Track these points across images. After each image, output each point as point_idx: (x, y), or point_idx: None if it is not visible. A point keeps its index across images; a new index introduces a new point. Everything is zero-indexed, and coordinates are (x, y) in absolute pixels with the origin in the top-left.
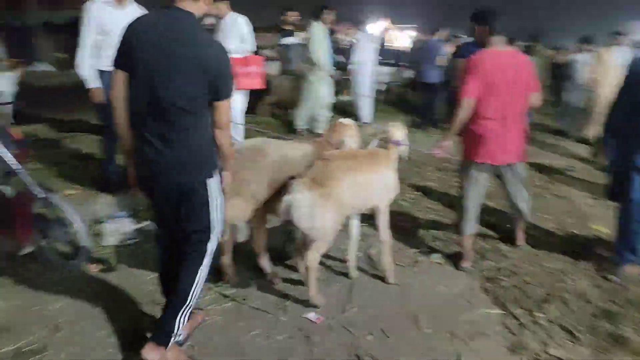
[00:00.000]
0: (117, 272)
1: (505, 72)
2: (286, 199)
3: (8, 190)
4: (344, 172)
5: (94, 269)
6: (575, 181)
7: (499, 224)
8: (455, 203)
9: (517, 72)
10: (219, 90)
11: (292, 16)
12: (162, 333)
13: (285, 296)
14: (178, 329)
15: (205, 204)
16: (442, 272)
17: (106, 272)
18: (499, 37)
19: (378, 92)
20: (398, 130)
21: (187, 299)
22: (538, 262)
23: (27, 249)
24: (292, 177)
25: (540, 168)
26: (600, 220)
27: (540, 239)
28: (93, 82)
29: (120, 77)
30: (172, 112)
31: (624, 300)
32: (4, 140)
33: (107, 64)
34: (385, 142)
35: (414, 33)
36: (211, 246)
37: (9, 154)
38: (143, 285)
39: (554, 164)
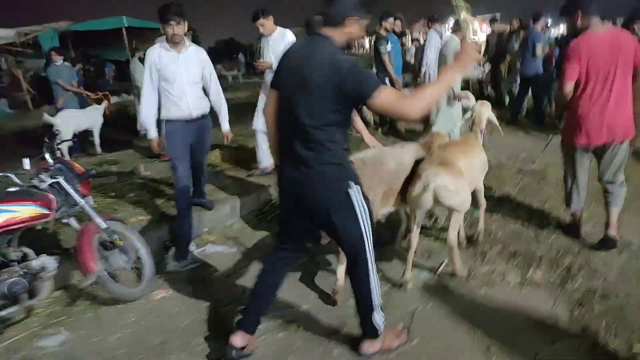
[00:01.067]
0: (180, 299)
1: (604, 52)
2: (431, 185)
3: (74, 223)
4: (458, 157)
5: (157, 295)
6: None
7: (590, 233)
8: (536, 210)
9: (617, 50)
10: (359, 89)
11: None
12: (366, 329)
13: (343, 323)
14: (379, 328)
15: (350, 213)
16: (521, 295)
17: (168, 300)
18: (593, 18)
19: None
20: (485, 111)
21: (371, 304)
22: (638, 279)
23: (90, 279)
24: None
25: None
26: None
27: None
28: (152, 132)
29: (273, 95)
30: (309, 130)
31: None
32: (68, 176)
33: (169, 114)
34: (473, 124)
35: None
36: (369, 249)
37: (72, 189)
38: (206, 314)
39: None
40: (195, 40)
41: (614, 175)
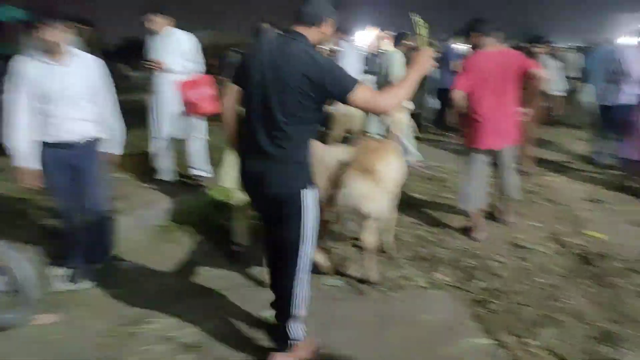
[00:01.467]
0: (69, 324)
1: (493, 68)
2: (346, 190)
3: None
4: (377, 162)
5: (46, 319)
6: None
7: (487, 242)
8: (443, 215)
9: (505, 67)
10: (336, 87)
11: None
12: (282, 342)
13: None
14: (296, 336)
15: (298, 212)
16: (427, 297)
17: (56, 326)
18: (489, 39)
19: None
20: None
21: (291, 312)
22: (530, 279)
23: None
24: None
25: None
26: (595, 225)
27: (532, 250)
28: (21, 160)
29: (234, 90)
30: (280, 126)
31: (623, 317)
32: None
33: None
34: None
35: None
36: (303, 254)
37: None
38: (95, 338)
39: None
40: (99, 40)
41: (506, 171)
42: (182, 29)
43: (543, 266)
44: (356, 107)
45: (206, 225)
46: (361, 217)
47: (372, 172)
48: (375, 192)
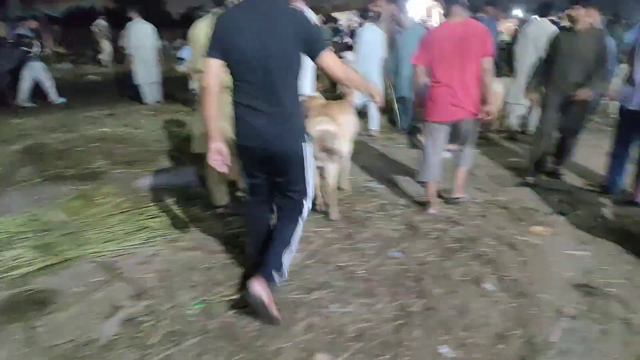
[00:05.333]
0: None
1: (453, 41)
2: (316, 129)
3: None
4: (336, 113)
5: None
6: None
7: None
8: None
9: (465, 40)
10: (315, 44)
11: None
12: (268, 269)
13: None
14: (282, 266)
15: (302, 165)
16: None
17: None
18: (453, 9)
19: None
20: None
21: (289, 242)
22: (448, 281)
23: None
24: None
25: None
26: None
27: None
28: None
29: (217, 65)
30: (279, 85)
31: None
32: None
33: None
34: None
35: None
36: (308, 202)
37: None
38: None
39: None
40: None
41: (464, 144)
42: None
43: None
44: (322, 67)
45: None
46: (330, 155)
47: (336, 121)
48: (341, 135)
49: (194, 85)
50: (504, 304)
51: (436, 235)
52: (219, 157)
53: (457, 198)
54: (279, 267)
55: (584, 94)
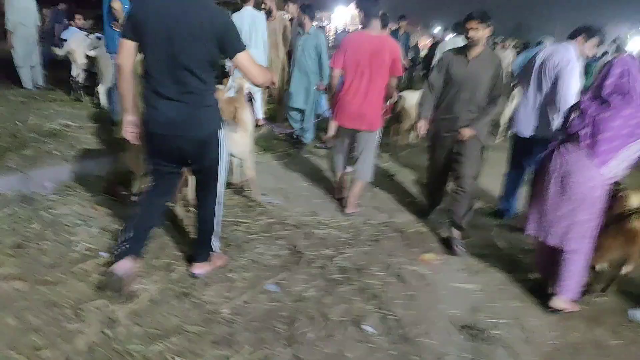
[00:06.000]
0: None
1: (367, 52)
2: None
3: None
4: (241, 111)
5: None
6: None
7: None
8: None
9: (378, 54)
10: (231, 45)
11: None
12: (202, 254)
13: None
14: (215, 248)
15: (216, 149)
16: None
17: None
18: (372, 21)
19: None
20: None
21: (212, 229)
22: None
23: None
24: None
25: None
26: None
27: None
28: None
29: (131, 46)
30: (189, 73)
31: None
32: None
33: None
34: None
35: None
36: (221, 183)
37: None
38: None
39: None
40: None
41: (361, 154)
42: None
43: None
44: (238, 65)
45: None
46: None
47: (239, 120)
48: (243, 138)
49: (77, 71)
50: (382, 352)
51: (321, 264)
52: (134, 129)
53: (349, 213)
54: (211, 249)
55: (467, 132)
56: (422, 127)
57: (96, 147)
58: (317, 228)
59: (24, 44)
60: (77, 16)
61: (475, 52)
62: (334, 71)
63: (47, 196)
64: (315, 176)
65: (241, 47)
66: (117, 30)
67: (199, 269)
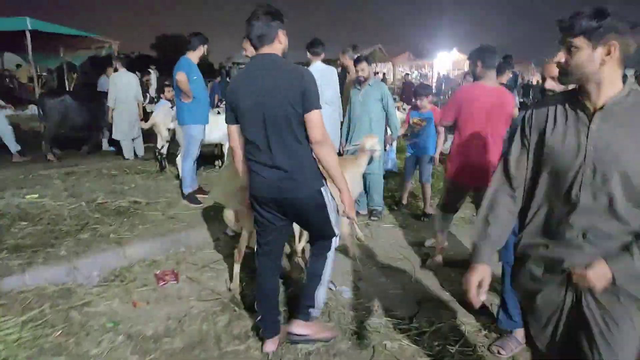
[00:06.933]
0: None
1: (484, 107)
2: None
3: None
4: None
5: None
6: None
7: None
8: None
9: (495, 108)
10: (309, 101)
11: None
12: (303, 308)
13: None
14: (317, 303)
15: (322, 205)
16: None
17: None
18: (490, 72)
19: None
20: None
21: (321, 277)
22: None
23: None
24: None
25: None
26: None
27: None
28: None
29: (235, 129)
30: (283, 137)
31: None
32: None
33: None
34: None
35: None
36: (334, 241)
37: None
38: None
39: None
40: None
41: None
42: None
43: None
44: (308, 124)
45: None
46: None
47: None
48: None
49: (161, 142)
50: None
51: None
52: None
53: None
54: (313, 304)
55: (598, 275)
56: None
57: (159, 226)
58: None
59: (127, 119)
60: (167, 89)
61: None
62: (443, 123)
63: (89, 289)
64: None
65: (315, 106)
66: (185, 102)
67: (298, 328)
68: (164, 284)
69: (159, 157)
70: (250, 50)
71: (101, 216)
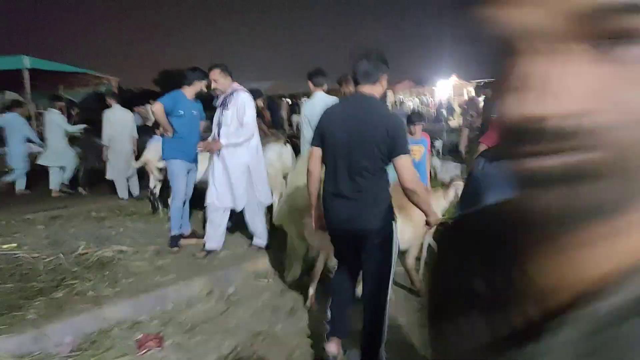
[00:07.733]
0: None
1: None
2: None
3: None
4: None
5: None
6: None
7: None
8: None
9: None
10: (398, 146)
11: None
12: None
13: None
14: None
15: (387, 244)
16: None
17: None
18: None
19: None
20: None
21: (383, 334)
22: None
23: None
24: None
25: None
26: None
27: None
28: None
29: (319, 153)
30: (362, 174)
31: None
32: None
33: None
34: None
35: None
36: (391, 277)
37: None
38: None
39: None
40: None
41: None
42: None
43: None
44: (396, 168)
45: None
46: None
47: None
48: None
49: (153, 182)
50: None
51: None
52: (321, 221)
53: None
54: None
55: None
56: None
57: (144, 279)
58: None
59: (121, 157)
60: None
61: None
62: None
63: (60, 358)
64: None
65: (405, 151)
66: (161, 135)
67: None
68: (145, 351)
69: (151, 197)
70: (221, 83)
71: (80, 269)
